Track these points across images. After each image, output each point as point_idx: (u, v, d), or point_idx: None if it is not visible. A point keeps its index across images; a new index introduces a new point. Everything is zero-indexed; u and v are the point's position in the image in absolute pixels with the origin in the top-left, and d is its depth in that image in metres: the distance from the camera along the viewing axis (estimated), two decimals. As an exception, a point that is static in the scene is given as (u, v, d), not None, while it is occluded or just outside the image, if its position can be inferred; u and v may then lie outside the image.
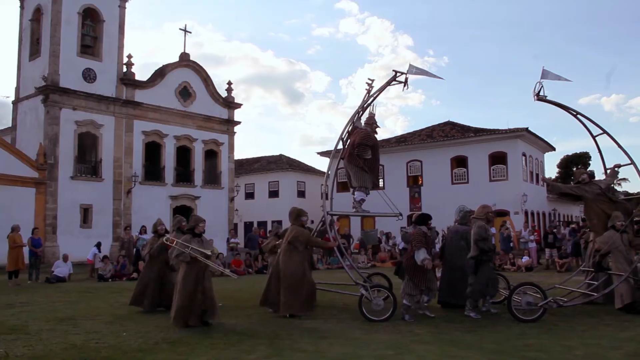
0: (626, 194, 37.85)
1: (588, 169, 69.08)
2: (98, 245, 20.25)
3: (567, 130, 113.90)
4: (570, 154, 70.93)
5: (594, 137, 11.05)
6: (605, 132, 10.72)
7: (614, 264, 9.99)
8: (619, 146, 10.38)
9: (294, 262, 9.70)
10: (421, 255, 9.03)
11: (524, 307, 9.00)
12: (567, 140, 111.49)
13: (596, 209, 10.51)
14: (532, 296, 9.14)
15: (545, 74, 10.48)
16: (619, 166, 10.80)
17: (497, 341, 7.43)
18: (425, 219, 9.86)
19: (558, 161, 70.51)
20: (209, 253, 8.79)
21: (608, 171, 11.13)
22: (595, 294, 9.90)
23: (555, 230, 21.61)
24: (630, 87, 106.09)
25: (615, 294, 9.73)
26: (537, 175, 35.85)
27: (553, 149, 38.38)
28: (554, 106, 10.96)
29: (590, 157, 69.09)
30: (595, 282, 10.34)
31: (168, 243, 9.23)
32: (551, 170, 71.43)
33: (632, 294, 9.43)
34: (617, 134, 10.59)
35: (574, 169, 68.41)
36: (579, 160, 69.96)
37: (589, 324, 8.62)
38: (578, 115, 10.91)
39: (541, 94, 10.60)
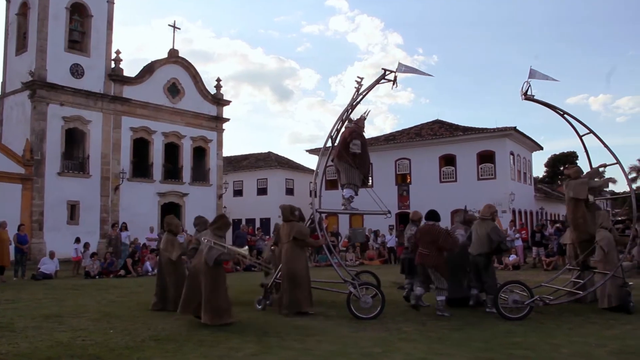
0: (612, 193, 38.22)
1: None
2: (77, 241, 20.07)
3: (555, 129, 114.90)
4: (557, 153, 71.55)
5: (580, 137, 11.11)
6: (591, 131, 10.78)
7: (606, 263, 9.99)
8: (605, 146, 10.44)
9: (300, 259, 9.72)
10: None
11: (511, 305, 9.06)
12: (555, 139, 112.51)
13: (584, 208, 10.55)
14: (519, 294, 9.21)
15: (532, 74, 10.52)
16: (604, 165, 10.86)
17: (484, 339, 7.47)
18: (437, 215, 9.97)
19: (546, 160, 71.06)
20: (245, 252, 8.95)
21: (600, 170, 11.19)
22: (581, 292, 9.97)
23: (542, 229, 21.72)
24: (617, 87, 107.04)
25: (600, 294, 9.81)
26: (525, 174, 36.08)
27: (541, 148, 38.63)
28: (541, 106, 11.01)
29: (577, 156, 69.56)
30: (581, 281, 10.41)
31: (213, 245, 8.70)
32: (539, 170, 71.83)
33: (620, 296, 9.52)
34: (604, 133, 10.65)
35: (562, 167, 69.07)
36: (566, 159, 70.50)
37: (575, 322, 8.69)
38: (565, 115, 10.96)
39: (529, 93, 10.64)
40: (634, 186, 58.23)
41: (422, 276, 9.73)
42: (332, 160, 10.85)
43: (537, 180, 47.38)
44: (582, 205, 10.41)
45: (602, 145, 10.48)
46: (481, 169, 32.80)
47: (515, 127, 32.22)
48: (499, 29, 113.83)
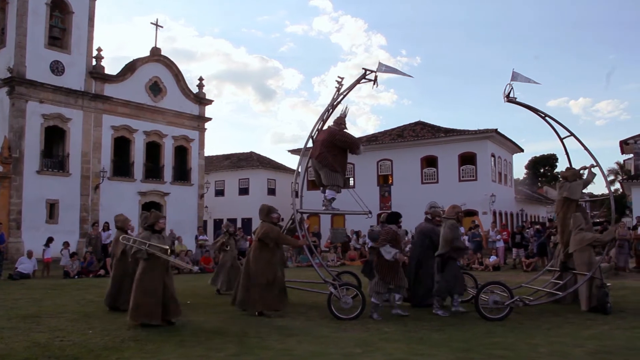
0: (591, 195, 38.71)
1: (555, 171, 70.62)
2: (48, 242, 19.77)
3: (535, 132, 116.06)
4: (538, 155, 72.31)
5: (561, 139, 11.25)
6: (572, 134, 10.92)
7: (585, 265, 10.09)
8: (585, 148, 10.59)
9: (264, 259, 9.61)
10: (389, 251, 9.08)
11: (491, 305, 9.13)
12: (535, 141, 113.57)
13: (573, 210, 10.74)
14: (499, 295, 9.28)
15: (515, 76, 10.63)
16: (585, 168, 11.02)
17: (464, 339, 7.52)
18: (395, 217, 9.96)
19: (526, 162, 71.78)
20: (166, 247, 8.66)
21: (581, 172, 11.31)
22: (561, 293, 10.09)
23: (522, 230, 21.93)
24: (597, 90, 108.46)
25: (581, 295, 9.93)
26: (506, 175, 36.41)
27: (521, 150, 39.03)
28: (523, 108, 11.12)
29: (557, 158, 70.57)
30: (561, 282, 10.53)
31: (124, 242, 9.10)
32: (519, 172, 72.55)
33: (598, 296, 9.65)
34: (583, 136, 10.85)
35: (542, 169, 69.82)
36: (547, 161, 71.40)
37: (554, 322, 8.78)
38: (546, 118, 11.08)
39: (511, 95, 10.75)
40: (612, 188, 59.09)
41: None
42: (310, 160, 10.86)
43: (517, 182, 47.81)
44: (574, 206, 10.61)
45: (583, 148, 10.63)
46: (462, 170, 33.03)
47: (496, 129, 32.53)
48: (481, 31, 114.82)
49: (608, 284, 10.16)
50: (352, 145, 10.48)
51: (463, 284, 10.02)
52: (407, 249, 12.48)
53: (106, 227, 22.00)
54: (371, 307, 9.27)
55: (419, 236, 10.89)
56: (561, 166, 75.25)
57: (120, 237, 9.41)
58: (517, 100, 10.83)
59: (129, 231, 10.85)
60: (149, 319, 8.31)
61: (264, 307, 9.41)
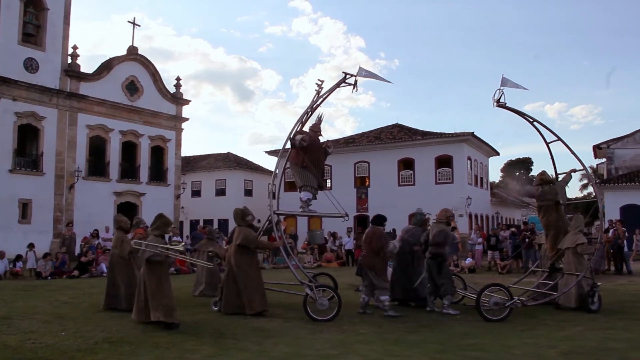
0: (575, 198, 39.35)
1: (530, 174, 71.57)
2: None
3: (511, 136, 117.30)
4: (513, 158, 73.14)
5: (547, 144, 11.45)
6: (559, 139, 11.15)
7: (573, 265, 10.30)
8: (572, 153, 10.90)
9: (248, 262, 9.73)
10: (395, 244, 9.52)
11: (492, 307, 9.27)
12: (511, 145, 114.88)
13: (559, 212, 10.97)
14: (499, 296, 9.45)
15: (504, 82, 10.78)
16: (574, 171, 11.37)
17: (439, 341, 7.57)
18: (381, 219, 10.15)
19: (502, 165, 72.56)
20: (181, 248, 8.73)
21: (561, 176, 11.58)
22: (556, 294, 10.29)
23: (497, 232, 22.14)
24: (572, 95, 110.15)
25: (566, 295, 10.18)
26: (482, 178, 36.78)
27: (497, 153, 39.48)
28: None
29: (532, 162, 71.58)
30: (551, 282, 10.74)
31: (137, 247, 8.81)
32: (495, 175, 73.31)
33: (582, 295, 9.97)
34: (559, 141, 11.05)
35: (517, 173, 70.64)
36: (522, 165, 72.28)
37: (528, 324, 8.89)
38: (534, 123, 11.28)
39: (501, 100, 10.89)
40: (584, 192, 59.93)
41: (366, 280, 9.94)
42: (287, 163, 10.90)
43: (493, 185, 48.33)
44: (561, 208, 10.85)
45: (569, 152, 10.94)
46: (439, 173, 33.30)
47: (472, 133, 32.88)
48: (459, 35, 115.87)
49: (599, 284, 10.41)
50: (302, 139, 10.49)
51: (454, 286, 10.23)
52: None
53: (95, 235, 21.73)
54: (384, 306, 9.48)
55: (406, 237, 11.04)
56: (537, 169, 76.41)
57: (133, 242, 9.10)
58: (506, 105, 10.99)
59: (128, 233, 10.82)
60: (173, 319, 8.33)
61: (262, 307, 9.51)
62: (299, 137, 10.41)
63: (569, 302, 10.07)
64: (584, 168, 10.90)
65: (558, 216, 10.91)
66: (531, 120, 11.26)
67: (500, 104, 10.91)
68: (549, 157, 11.74)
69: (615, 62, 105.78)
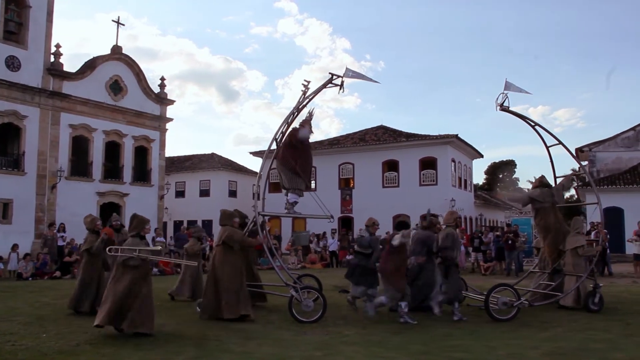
0: (567, 201, 39.68)
1: (513, 177, 72.11)
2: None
3: (495, 138, 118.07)
4: (497, 161, 73.62)
5: (547, 147, 11.61)
6: (560, 142, 11.35)
7: (573, 266, 10.55)
8: (573, 156, 11.28)
9: (230, 263, 9.48)
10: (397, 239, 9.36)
11: (500, 307, 9.36)
12: (495, 147, 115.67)
13: (557, 215, 11.11)
14: (507, 297, 9.55)
15: (508, 86, 10.93)
16: (576, 174, 11.58)
17: (423, 342, 7.60)
18: (403, 224, 10.04)
19: (485, 167, 73.01)
20: (159, 248, 8.48)
21: (559, 179, 11.79)
22: (561, 294, 10.46)
23: (481, 234, 22.27)
24: (555, 98, 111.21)
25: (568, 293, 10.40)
26: (466, 180, 37.01)
27: (481, 155, 39.74)
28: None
29: (516, 164, 72.14)
30: (552, 283, 10.90)
31: (113, 253, 8.22)
32: (478, 177, 73.73)
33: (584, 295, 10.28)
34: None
35: (501, 175, 71.14)
36: (506, 167, 72.83)
37: (511, 325, 8.98)
38: (536, 127, 11.45)
39: (505, 104, 10.99)
40: (567, 195, 60.61)
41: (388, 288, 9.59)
42: (273, 162, 10.87)
43: (476, 187, 48.64)
44: (558, 210, 11.02)
45: (569, 154, 11.33)
46: (423, 174, 33.47)
47: (456, 135, 33.10)
48: (444, 37, 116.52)
49: (600, 285, 10.61)
50: (293, 136, 10.49)
51: (461, 291, 10.21)
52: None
53: (62, 229, 21.55)
54: (402, 314, 9.16)
55: (417, 244, 10.88)
56: (520, 172, 77.08)
57: (107, 249, 8.50)
58: (510, 109, 11.10)
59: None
60: (114, 324, 7.81)
61: (244, 310, 9.18)
62: (304, 130, 10.39)
63: (566, 301, 10.32)
64: (584, 172, 11.17)
65: (556, 218, 11.07)
66: (533, 124, 11.48)
67: (504, 108, 11.05)
68: (549, 160, 12.02)
69: (600, 65, 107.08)
